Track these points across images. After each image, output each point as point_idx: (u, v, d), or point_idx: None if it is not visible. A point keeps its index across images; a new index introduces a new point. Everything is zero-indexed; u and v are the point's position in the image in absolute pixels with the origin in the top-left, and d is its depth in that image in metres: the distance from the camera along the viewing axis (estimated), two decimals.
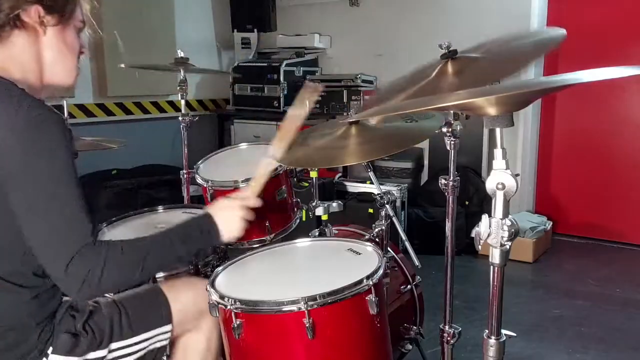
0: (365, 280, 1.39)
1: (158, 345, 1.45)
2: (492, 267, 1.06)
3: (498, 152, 1.02)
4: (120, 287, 1.36)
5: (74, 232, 1.17)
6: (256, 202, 1.51)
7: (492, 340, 1.10)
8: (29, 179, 1.15)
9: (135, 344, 1.41)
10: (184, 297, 1.50)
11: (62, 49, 1.31)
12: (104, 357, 1.36)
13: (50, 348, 1.29)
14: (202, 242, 1.39)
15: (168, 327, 1.45)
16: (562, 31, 1.37)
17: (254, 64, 4.88)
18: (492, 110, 0.98)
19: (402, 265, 2.09)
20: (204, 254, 1.80)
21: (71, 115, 2.85)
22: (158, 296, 1.47)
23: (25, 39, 1.26)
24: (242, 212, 1.44)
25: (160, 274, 1.74)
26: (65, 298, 1.37)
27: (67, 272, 1.15)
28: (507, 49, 1.56)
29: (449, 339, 1.77)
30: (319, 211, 2.04)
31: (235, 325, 1.37)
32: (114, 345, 1.37)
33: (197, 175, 2.18)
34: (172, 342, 1.51)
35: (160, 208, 2.15)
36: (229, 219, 1.42)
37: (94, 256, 1.17)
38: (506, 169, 1.01)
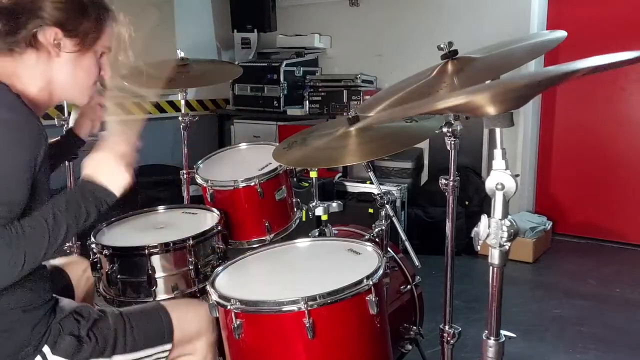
0: (365, 280, 1.39)
1: None
2: (491, 267, 1.06)
3: (498, 152, 1.01)
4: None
5: None
6: (130, 143, 1.40)
7: (491, 341, 1.10)
8: None
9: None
10: (186, 317, 1.50)
11: (75, 73, 1.31)
12: None
13: (46, 346, 1.28)
14: (94, 209, 1.27)
15: (168, 346, 1.45)
16: (563, 33, 1.37)
17: (254, 64, 4.87)
18: (490, 109, 0.97)
19: (402, 265, 2.09)
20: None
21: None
22: (162, 314, 1.47)
23: (36, 58, 1.26)
24: (121, 160, 1.32)
25: (162, 296, 1.76)
26: (62, 303, 1.36)
27: None
28: (507, 49, 1.56)
29: (449, 339, 1.77)
30: (319, 211, 2.04)
31: (236, 325, 1.37)
32: (116, 358, 1.37)
33: (197, 175, 2.19)
34: None
35: (160, 208, 2.15)
36: (112, 173, 1.30)
37: None
38: (506, 169, 1.00)
